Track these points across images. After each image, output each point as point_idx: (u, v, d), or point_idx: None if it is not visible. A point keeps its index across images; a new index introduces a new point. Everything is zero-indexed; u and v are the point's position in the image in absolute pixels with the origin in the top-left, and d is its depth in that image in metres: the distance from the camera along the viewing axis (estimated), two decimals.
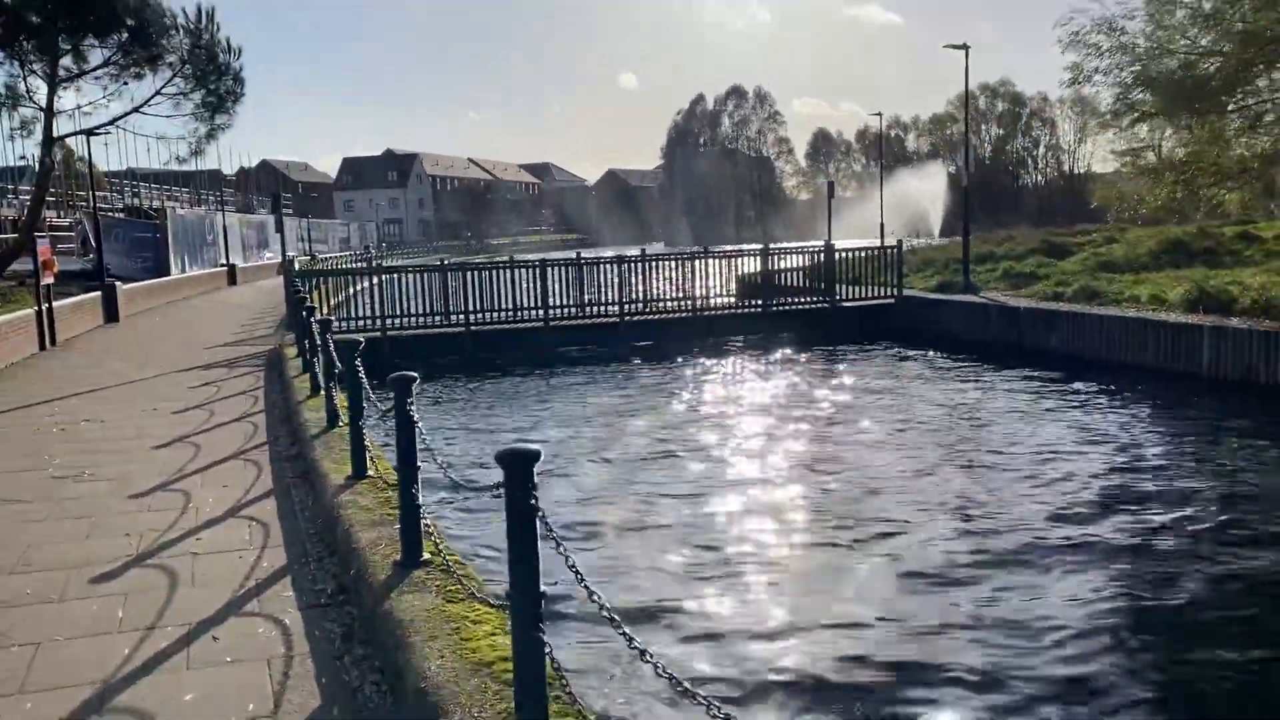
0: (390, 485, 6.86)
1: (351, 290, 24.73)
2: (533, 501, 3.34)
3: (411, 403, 5.30)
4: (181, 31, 23.13)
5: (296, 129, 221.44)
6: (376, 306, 21.12)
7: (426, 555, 5.35)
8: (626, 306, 22.26)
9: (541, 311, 21.58)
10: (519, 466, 3.36)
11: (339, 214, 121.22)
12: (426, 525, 5.44)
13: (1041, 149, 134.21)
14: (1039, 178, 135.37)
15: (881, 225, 41.10)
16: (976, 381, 17.28)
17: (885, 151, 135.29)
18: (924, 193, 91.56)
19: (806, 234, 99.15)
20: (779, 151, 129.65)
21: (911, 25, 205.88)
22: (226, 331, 20.71)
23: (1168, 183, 19.68)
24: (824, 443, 13.19)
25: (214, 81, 23.20)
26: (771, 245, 24.95)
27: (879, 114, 52.93)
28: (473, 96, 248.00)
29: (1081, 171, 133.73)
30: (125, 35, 22.96)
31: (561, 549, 3.32)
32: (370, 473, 7.24)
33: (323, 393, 10.75)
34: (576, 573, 3.27)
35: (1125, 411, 14.52)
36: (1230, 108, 17.59)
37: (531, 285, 21.89)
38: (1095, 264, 24.27)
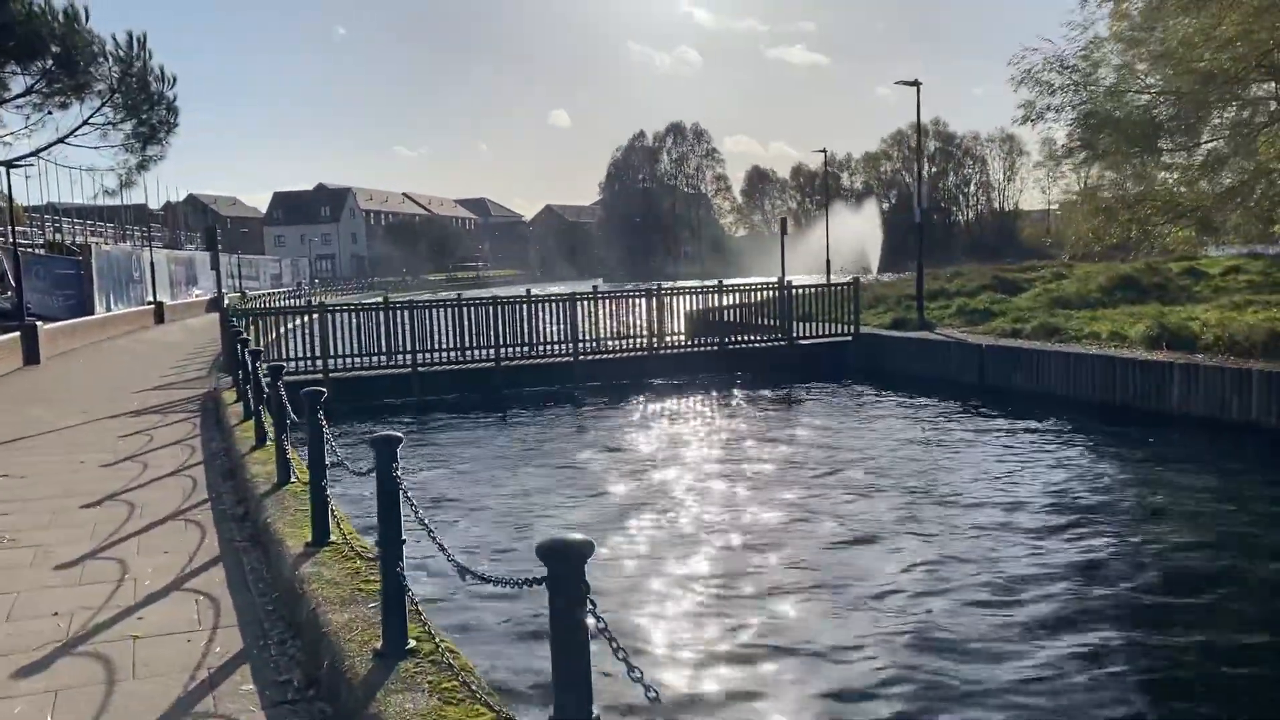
0: (359, 554, 6.10)
1: (283, 329, 23.73)
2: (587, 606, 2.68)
3: (397, 467, 4.60)
4: (111, 59, 22.10)
5: (225, 163, 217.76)
6: (316, 346, 20.18)
7: (413, 643, 4.63)
8: (580, 346, 21.59)
9: (492, 351, 20.83)
10: (568, 562, 2.69)
11: (270, 249, 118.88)
12: (414, 608, 4.72)
13: (973, 186, 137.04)
14: (970, 214, 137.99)
15: (828, 261, 41.07)
16: (940, 421, 16.91)
17: (821, 189, 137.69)
18: (862, 229, 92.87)
19: (745, 270, 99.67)
20: (717, 189, 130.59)
21: (836, 66, 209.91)
22: (157, 373, 19.59)
23: (1122, 220, 19.67)
24: (786, 486, 12.59)
25: (146, 111, 22.17)
26: (726, 282, 24.43)
27: (823, 150, 53.02)
28: (404, 133, 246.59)
29: (1011, 209, 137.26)
30: (50, 62, 21.85)
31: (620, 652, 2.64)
32: (334, 538, 6.47)
33: (270, 444, 9.92)
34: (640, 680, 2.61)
35: (1098, 451, 14.24)
36: (1190, 145, 17.60)
37: (481, 324, 21.14)
38: (1048, 300, 24.25)
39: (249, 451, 10.02)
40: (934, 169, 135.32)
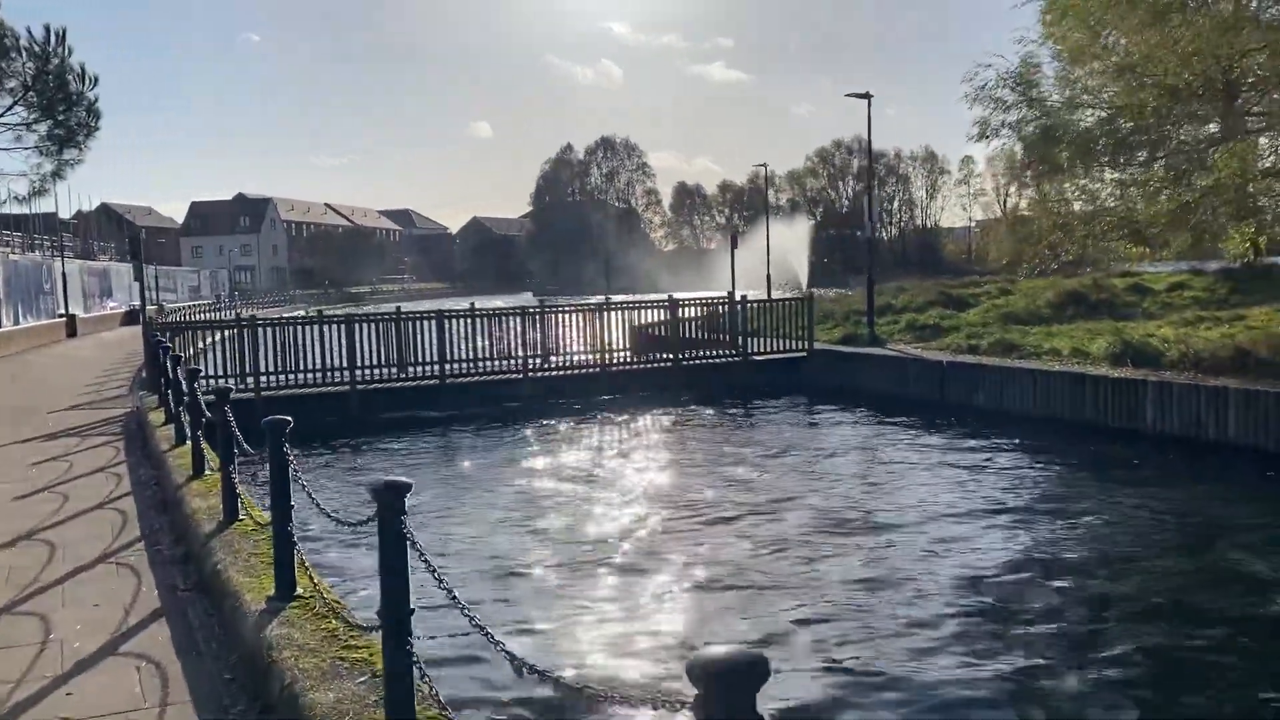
0: (335, 611, 5.21)
1: (203, 343, 22.41)
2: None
3: (405, 517, 3.76)
4: (25, 54, 20.54)
5: (139, 171, 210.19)
6: (247, 362, 18.97)
7: None
8: (529, 362, 20.70)
9: (438, 367, 19.82)
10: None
11: (187, 261, 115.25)
12: (427, 686, 3.87)
13: (896, 204, 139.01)
14: (894, 231, 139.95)
15: (769, 276, 40.73)
16: (900, 440, 16.43)
17: (749, 204, 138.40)
18: (790, 244, 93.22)
19: (677, 285, 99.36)
20: (648, 203, 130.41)
21: (756, 82, 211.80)
22: (72, 392, 18.20)
23: (1078, 236, 19.50)
24: (741, 518, 11.87)
25: (63, 111, 20.69)
26: (676, 295, 23.77)
27: (764, 165, 53.05)
28: (321, 142, 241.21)
29: (933, 226, 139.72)
30: None
31: None
32: (301, 590, 5.56)
33: (211, 474, 8.91)
34: None
35: (1076, 471, 13.86)
36: (1148, 160, 17.47)
37: (424, 339, 20.14)
38: (998, 316, 24.06)
39: (186, 482, 8.98)
40: (859, 186, 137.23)
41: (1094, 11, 17.52)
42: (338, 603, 5.38)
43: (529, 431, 18.32)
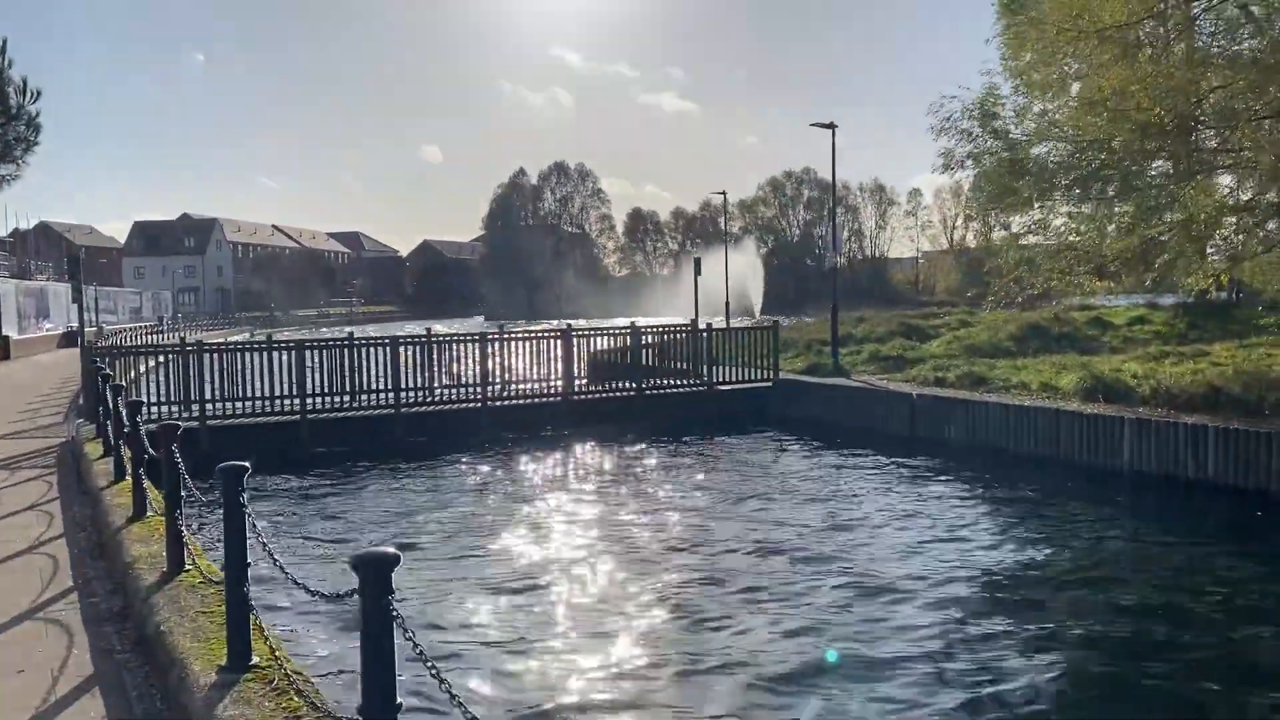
0: (296, 687, 4.56)
1: (144, 367, 21.49)
2: None
3: (393, 601, 3.19)
4: None
5: (81, 190, 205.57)
6: (192, 389, 18.10)
7: None
8: (490, 390, 20.04)
9: (392, 396, 19.09)
10: None
11: (129, 281, 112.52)
12: None
13: (846, 234, 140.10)
14: (842, 260, 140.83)
15: (728, 304, 40.45)
16: (870, 476, 16.03)
17: (701, 231, 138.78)
18: (743, 272, 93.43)
19: (630, 311, 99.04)
20: (601, 228, 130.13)
21: (706, 113, 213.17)
22: (2, 419, 17.22)
23: (1044, 270, 19.35)
24: (710, 565, 11.32)
25: (1, 125, 19.72)
26: (638, 322, 23.29)
27: (723, 193, 52.99)
28: (267, 163, 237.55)
29: (881, 256, 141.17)
30: None
31: None
32: (257, 659, 4.91)
33: (154, 516, 8.21)
34: None
35: (1054, 511, 13.54)
36: (1125, 192, 17.35)
37: (378, 365, 19.43)
38: (961, 348, 23.93)
39: (126, 524, 8.25)
40: (810, 215, 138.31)
41: (1056, 45, 17.44)
42: (300, 675, 4.74)
43: (487, 466, 17.64)
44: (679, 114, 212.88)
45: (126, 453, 10.10)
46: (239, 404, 18.37)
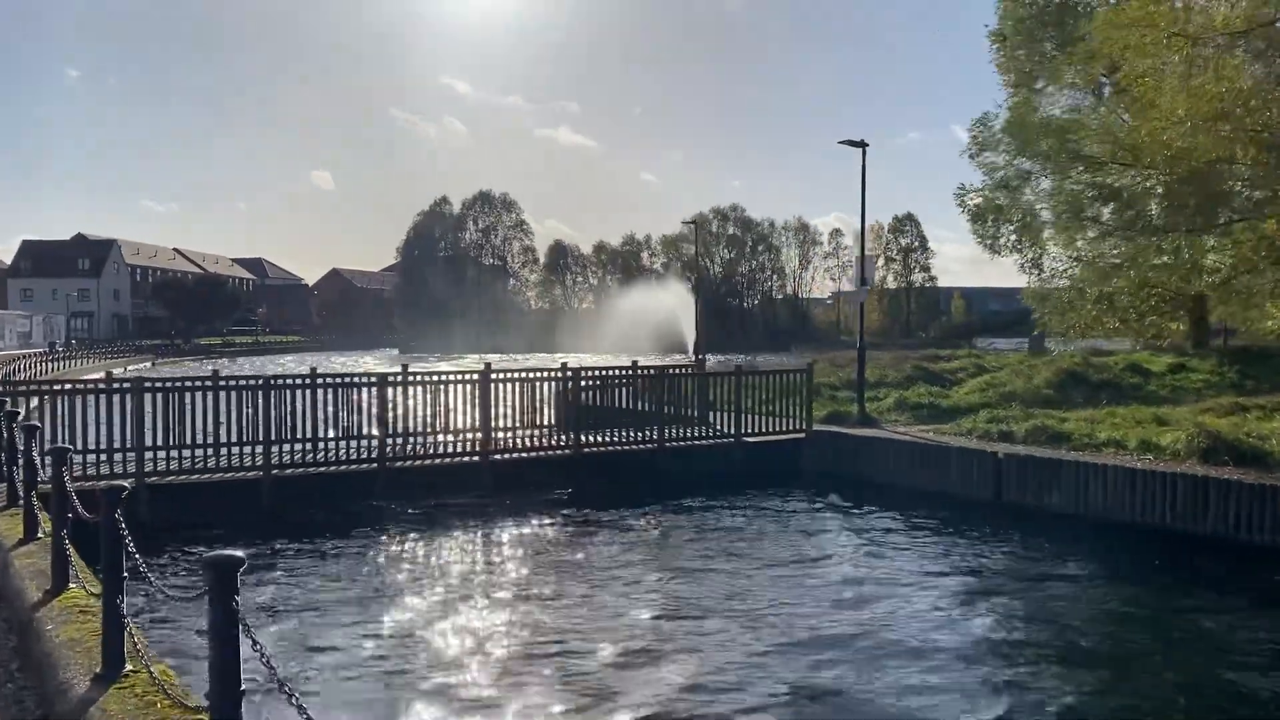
0: None
1: (60, 409, 17.52)
2: None
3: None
4: None
5: None
6: (128, 437, 14.46)
7: None
8: (493, 441, 16.74)
9: (375, 449, 15.66)
10: None
11: (15, 304, 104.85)
12: None
13: (768, 273, 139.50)
14: (756, 299, 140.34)
15: (697, 343, 37.74)
16: (968, 552, 13.35)
17: (621, 267, 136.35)
18: (674, 307, 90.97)
19: (553, 346, 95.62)
20: (524, 261, 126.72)
21: (603, 149, 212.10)
22: None
23: (1120, 307, 17.13)
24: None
25: None
26: (641, 360, 20.34)
27: (693, 223, 50.18)
28: (153, 186, 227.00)
29: (805, 295, 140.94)
30: None
31: None
32: None
33: (86, 607, 4.95)
34: None
35: (1223, 604, 11.02)
36: (1199, 230, 15.25)
37: (353, 410, 16.06)
38: (996, 395, 21.57)
39: (46, 600, 4.95)
40: (732, 253, 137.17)
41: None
42: None
43: (492, 539, 14.38)
44: (576, 148, 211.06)
45: (44, 516, 7.24)
46: (185, 458, 14.74)
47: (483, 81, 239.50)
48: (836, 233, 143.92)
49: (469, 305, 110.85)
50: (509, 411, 17.64)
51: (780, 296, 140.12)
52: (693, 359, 66.67)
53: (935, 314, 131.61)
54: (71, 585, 6.78)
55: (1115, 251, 19.21)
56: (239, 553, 3.71)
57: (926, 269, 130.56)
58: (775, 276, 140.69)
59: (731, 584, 11.66)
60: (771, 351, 70.67)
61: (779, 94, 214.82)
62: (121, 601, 4.96)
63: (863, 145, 21.06)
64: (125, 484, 5.12)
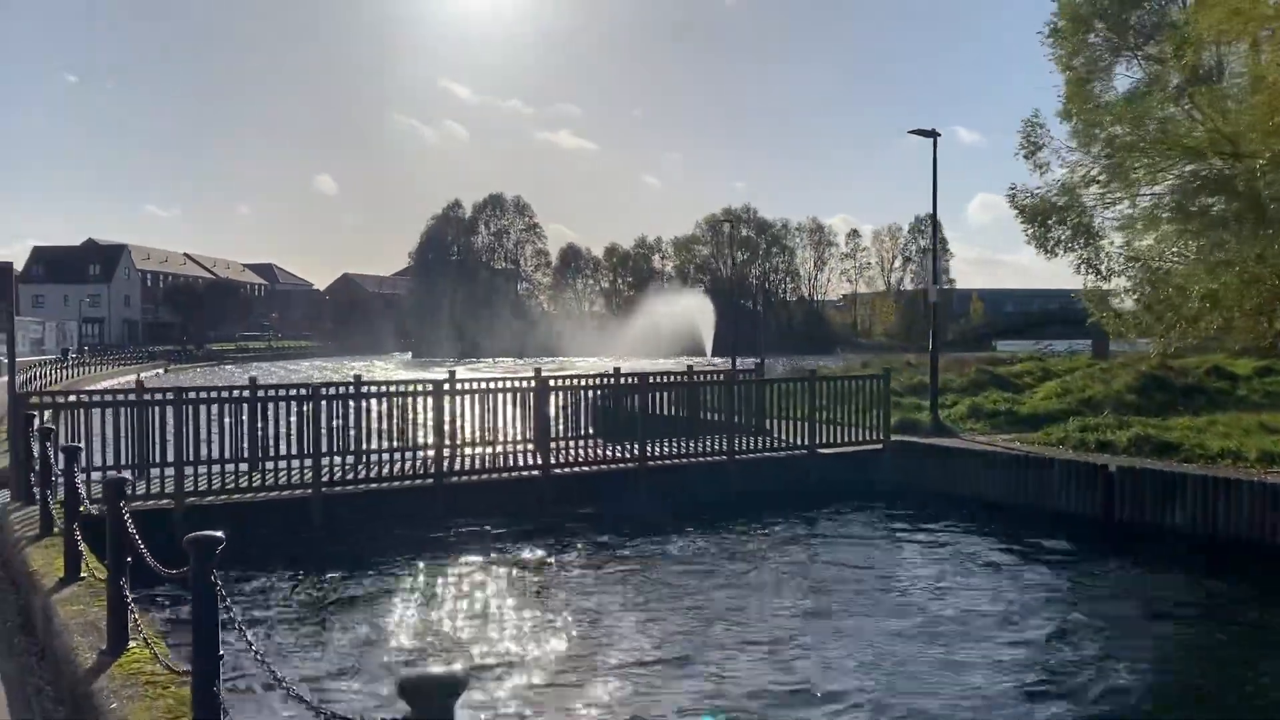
0: None
1: (83, 423, 16.37)
2: None
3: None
4: None
5: None
6: (154, 453, 13.30)
7: None
8: (546, 450, 15.51)
9: (432, 463, 14.43)
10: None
11: (26, 310, 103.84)
12: None
13: (782, 274, 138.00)
14: (776, 301, 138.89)
15: (713, 346, 36.42)
16: (1108, 588, 12.08)
17: (633, 270, 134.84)
18: (691, 311, 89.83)
19: (564, 350, 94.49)
20: (537, 264, 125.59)
21: (603, 152, 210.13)
22: None
23: (1227, 306, 15.84)
24: None
25: None
26: (662, 362, 19.09)
27: (725, 221, 49.01)
28: (157, 192, 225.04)
29: (820, 298, 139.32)
30: None
31: None
32: None
33: (153, 660, 3.83)
34: None
35: None
36: None
37: (406, 420, 14.86)
38: (1074, 401, 20.31)
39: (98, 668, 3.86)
40: (744, 255, 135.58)
41: None
42: None
43: (561, 564, 13.17)
44: (577, 151, 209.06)
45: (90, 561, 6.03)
46: (229, 474, 13.58)
47: (482, 85, 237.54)
48: (854, 233, 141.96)
49: (482, 309, 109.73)
50: (563, 420, 16.57)
51: (794, 299, 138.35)
52: (713, 362, 65.45)
53: (953, 316, 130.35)
54: (131, 643, 5.78)
55: (1224, 246, 18.06)
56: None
57: (945, 271, 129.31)
58: (789, 279, 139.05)
59: (878, 647, 10.41)
60: (787, 355, 69.66)
61: (779, 95, 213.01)
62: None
63: (934, 135, 19.86)
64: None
